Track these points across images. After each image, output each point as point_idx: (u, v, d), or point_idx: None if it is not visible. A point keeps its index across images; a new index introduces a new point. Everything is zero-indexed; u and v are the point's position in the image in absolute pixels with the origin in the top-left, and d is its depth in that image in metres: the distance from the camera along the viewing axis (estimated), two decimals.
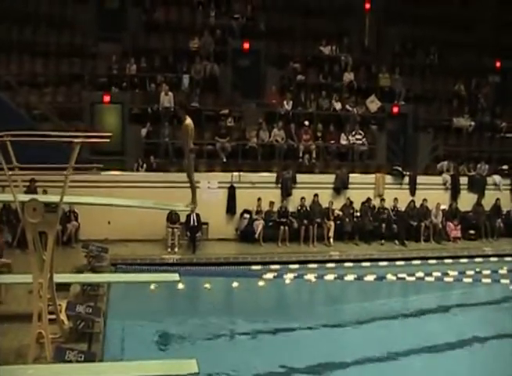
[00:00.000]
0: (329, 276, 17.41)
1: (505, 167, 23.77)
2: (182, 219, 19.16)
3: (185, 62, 23.28)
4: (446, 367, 11.97)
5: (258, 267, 18.03)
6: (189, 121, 10.36)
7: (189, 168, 10.50)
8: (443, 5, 27.14)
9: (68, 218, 18.42)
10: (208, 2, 25.05)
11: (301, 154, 21.99)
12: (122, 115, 22.17)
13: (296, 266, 18.35)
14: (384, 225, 20.84)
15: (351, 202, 21.10)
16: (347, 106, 23.67)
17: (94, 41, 23.43)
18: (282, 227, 20.00)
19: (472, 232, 22.08)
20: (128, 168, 20.64)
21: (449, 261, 19.77)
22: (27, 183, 16.99)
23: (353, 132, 22.77)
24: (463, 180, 22.78)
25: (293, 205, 20.71)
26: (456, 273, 18.09)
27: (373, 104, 24.06)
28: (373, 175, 21.95)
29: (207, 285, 16.92)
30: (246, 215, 20.26)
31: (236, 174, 20.61)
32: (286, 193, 20.83)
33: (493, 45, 26.67)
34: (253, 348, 12.73)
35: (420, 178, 22.25)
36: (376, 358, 12.22)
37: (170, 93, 21.76)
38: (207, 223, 19.90)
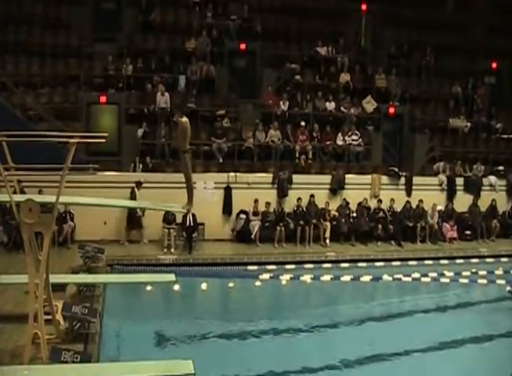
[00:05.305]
0: (326, 277, 17.38)
1: (501, 168, 23.82)
2: (178, 220, 19.16)
3: (182, 62, 23.27)
4: (442, 368, 11.99)
5: (254, 268, 18.02)
6: (185, 119, 10.36)
7: (186, 169, 10.49)
8: (438, 7, 27.32)
9: (64, 219, 18.40)
10: (205, 3, 25.02)
11: (297, 155, 21.97)
12: (118, 116, 22.14)
13: (292, 267, 18.37)
14: (380, 225, 20.85)
15: (348, 203, 21.12)
16: (342, 108, 23.66)
17: (90, 42, 23.36)
18: (278, 228, 20.02)
19: (468, 232, 22.15)
20: (124, 168, 20.62)
21: (445, 261, 19.78)
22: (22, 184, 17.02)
23: (349, 133, 22.77)
24: (459, 181, 22.79)
25: (289, 206, 20.72)
26: (452, 274, 18.06)
27: (369, 105, 24.09)
28: (369, 176, 21.97)
29: (203, 286, 16.91)
30: (243, 216, 20.26)
31: (232, 174, 20.62)
32: (282, 194, 20.83)
33: (489, 46, 26.74)
34: (249, 348, 12.73)
35: (416, 179, 22.28)
36: (373, 358, 12.22)
37: (166, 94, 21.75)
38: (203, 224, 19.92)
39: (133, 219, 19.40)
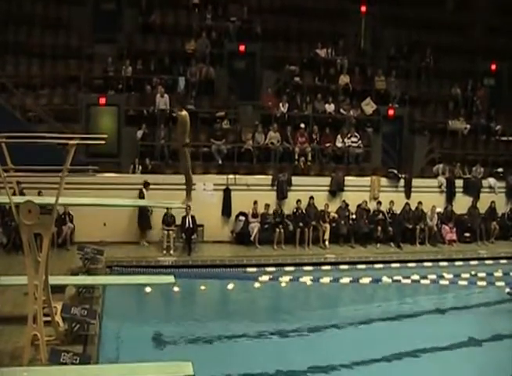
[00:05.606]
0: (325, 279, 17.39)
1: (500, 169, 23.80)
2: (178, 221, 19.14)
3: (181, 64, 23.28)
4: (442, 369, 11.98)
5: (254, 269, 18.00)
6: (185, 112, 10.36)
7: (186, 162, 10.46)
8: (438, 7, 27.36)
9: (63, 220, 18.40)
10: (204, 5, 25.03)
11: (296, 157, 21.94)
12: (118, 117, 22.16)
13: (291, 269, 18.32)
14: (379, 227, 20.85)
15: (347, 205, 21.10)
16: (341, 110, 23.67)
17: (90, 43, 23.38)
18: (277, 229, 20.01)
19: (467, 235, 22.12)
20: (123, 170, 20.61)
21: (445, 264, 19.77)
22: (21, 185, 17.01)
23: (349, 135, 22.75)
24: (459, 183, 22.77)
25: (288, 208, 20.71)
26: (451, 276, 18.05)
27: (369, 107, 24.09)
28: (369, 178, 21.95)
29: (203, 287, 16.91)
30: (242, 218, 20.25)
31: (231, 176, 20.60)
32: (281, 196, 20.82)
33: (488, 48, 26.76)
34: (248, 350, 12.73)
35: (416, 181, 22.25)
36: (372, 360, 12.21)
37: (166, 95, 21.74)
38: (202, 225, 19.90)
39: (144, 219, 19.45)
